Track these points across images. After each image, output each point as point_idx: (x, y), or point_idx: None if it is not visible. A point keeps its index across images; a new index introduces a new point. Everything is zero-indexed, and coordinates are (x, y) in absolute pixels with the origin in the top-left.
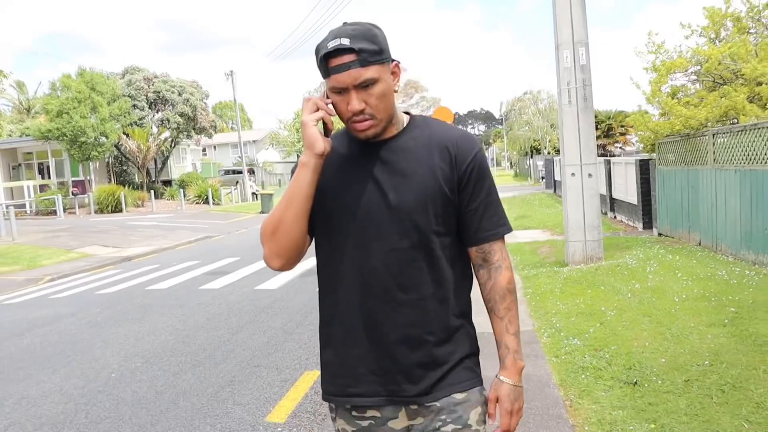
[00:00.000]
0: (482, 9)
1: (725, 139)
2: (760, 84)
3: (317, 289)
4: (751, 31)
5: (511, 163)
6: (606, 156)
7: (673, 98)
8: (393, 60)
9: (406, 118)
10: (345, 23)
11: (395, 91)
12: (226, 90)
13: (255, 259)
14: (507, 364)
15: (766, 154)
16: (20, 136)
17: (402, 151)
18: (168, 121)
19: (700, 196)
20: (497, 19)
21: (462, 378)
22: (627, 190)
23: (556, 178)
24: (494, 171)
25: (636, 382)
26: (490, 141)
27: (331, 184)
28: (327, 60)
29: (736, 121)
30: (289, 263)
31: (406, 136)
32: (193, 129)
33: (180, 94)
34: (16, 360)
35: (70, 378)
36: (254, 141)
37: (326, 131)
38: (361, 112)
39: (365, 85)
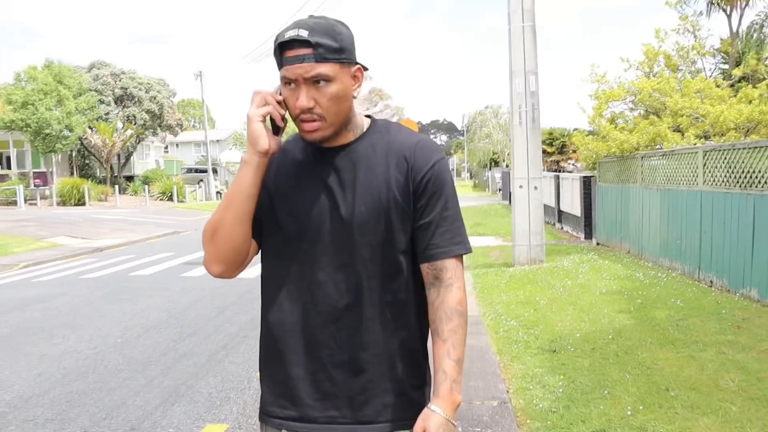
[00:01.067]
0: (448, 21)
1: (651, 162)
2: (681, 115)
3: None
4: (681, 68)
5: (471, 174)
6: (560, 171)
7: (612, 123)
8: (357, 64)
9: (367, 123)
10: (311, 16)
11: (354, 97)
12: (188, 87)
13: None
14: (441, 393)
15: (678, 176)
16: None
17: (357, 159)
18: (134, 117)
19: (630, 211)
20: (463, 31)
21: (406, 414)
22: (572, 203)
23: (511, 190)
24: (456, 181)
25: (555, 350)
26: (451, 152)
27: (282, 191)
28: (282, 50)
29: (661, 146)
30: (229, 269)
31: (365, 143)
32: (159, 126)
33: (147, 92)
34: (25, 328)
35: (81, 341)
36: (218, 141)
37: (275, 129)
38: (309, 110)
39: (317, 81)
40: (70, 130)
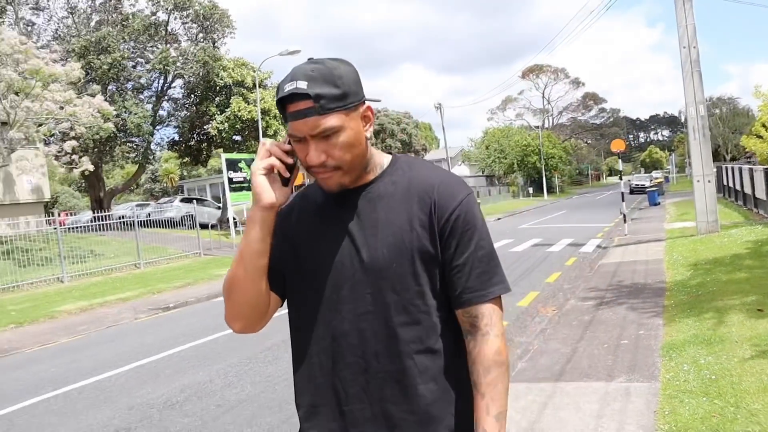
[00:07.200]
0: (663, 8)
1: None
2: None
3: None
4: None
5: None
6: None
7: None
8: (364, 102)
9: (387, 160)
10: (310, 59)
11: (367, 138)
12: (393, 106)
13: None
14: None
15: None
16: None
17: (378, 199)
18: (391, 147)
19: None
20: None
21: None
22: (762, 190)
23: (728, 184)
24: (677, 178)
25: (695, 264)
26: (673, 147)
27: (303, 238)
28: (284, 104)
29: None
30: (249, 325)
31: (385, 181)
32: (409, 151)
33: (398, 124)
34: None
35: None
36: (450, 158)
37: (283, 180)
38: (322, 164)
39: (326, 135)
40: None
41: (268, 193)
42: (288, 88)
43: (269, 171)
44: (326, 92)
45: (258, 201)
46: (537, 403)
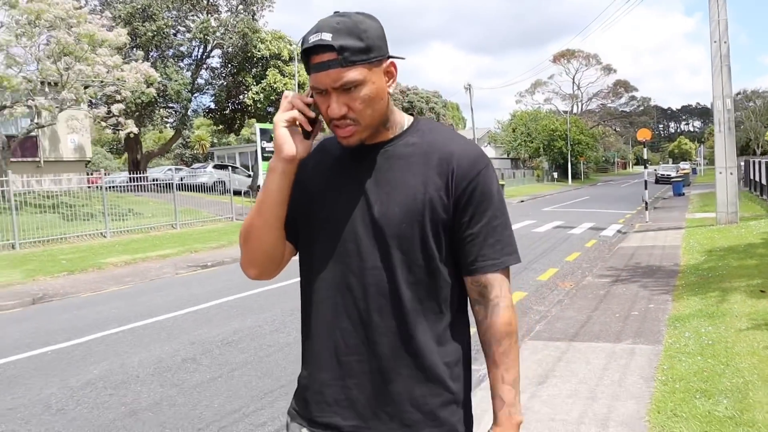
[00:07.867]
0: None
1: None
2: None
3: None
4: None
5: None
6: None
7: None
8: (389, 58)
9: (408, 121)
10: (336, 12)
11: (389, 94)
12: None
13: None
14: (501, 420)
15: None
16: None
17: (395, 157)
18: None
19: None
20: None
21: None
22: None
23: (755, 178)
24: (705, 170)
25: (710, 251)
26: (703, 139)
27: (317, 189)
28: (308, 56)
29: None
30: (265, 272)
31: (405, 141)
32: None
33: (427, 103)
34: None
35: None
36: (477, 139)
37: (305, 133)
38: (343, 117)
39: (347, 88)
40: None
41: (289, 144)
42: (312, 39)
43: (291, 123)
44: (350, 44)
45: (279, 152)
46: (552, 357)
